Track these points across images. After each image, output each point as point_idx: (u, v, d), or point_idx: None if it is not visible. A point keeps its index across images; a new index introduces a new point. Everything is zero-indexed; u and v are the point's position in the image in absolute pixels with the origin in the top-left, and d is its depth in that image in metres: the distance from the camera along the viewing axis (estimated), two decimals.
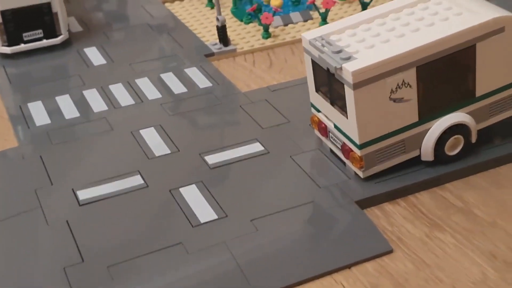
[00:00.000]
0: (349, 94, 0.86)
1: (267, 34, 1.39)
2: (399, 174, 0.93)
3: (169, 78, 1.23)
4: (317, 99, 0.97)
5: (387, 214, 0.89)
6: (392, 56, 0.86)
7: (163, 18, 1.48)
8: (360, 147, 0.89)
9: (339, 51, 0.88)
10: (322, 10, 1.41)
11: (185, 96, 1.17)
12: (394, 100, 0.88)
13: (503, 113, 0.97)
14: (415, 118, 0.91)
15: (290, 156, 0.99)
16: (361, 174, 0.92)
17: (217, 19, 1.33)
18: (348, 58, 0.86)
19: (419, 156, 0.94)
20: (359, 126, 0.88)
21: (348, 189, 0.91)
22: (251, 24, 1.46)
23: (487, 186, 0.94)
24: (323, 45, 0.90)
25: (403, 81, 0.87)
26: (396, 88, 0.88)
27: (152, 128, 1.08)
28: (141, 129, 1.08)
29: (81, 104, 1.16)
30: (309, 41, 0.92)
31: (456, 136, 0.93)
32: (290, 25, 1.44)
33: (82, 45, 1.37)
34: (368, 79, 0.85)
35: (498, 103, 0.95)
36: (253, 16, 1.44)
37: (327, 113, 0.96)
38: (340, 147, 0.94)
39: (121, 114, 1.12)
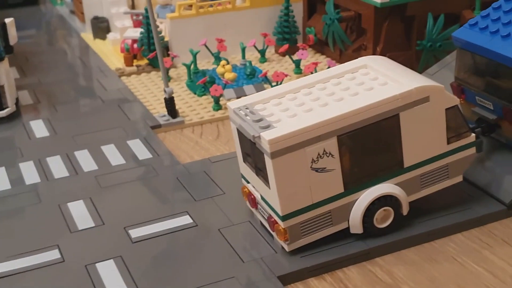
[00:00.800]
0: (269, 164, 0.84)
1: (217, 106, 1.38)
2: (327, 247, 0.90)
3: (110, 150, 1.21)
4: (245, 169, 0.95)
5: None
6: (311, 125, 0.84)
7: (116, 91, 1.48)
8: (283, 218, 0.86)
9: (260, 120, 0.86)
10: (274, 83, 1.41)
11: (122, 168, 1.14)
12: (316, 170, 0.85)
13: (436, 185, 0.94)
14: (340, 189, 0.88)
15: (219, 230, 0.96)
16: (286, 247, 0.88)
17: (165, 91, 1.32)
18: (267, 127, 0.84)
19: (348, 228, 0.90)
20: (281, 197, 0.85)
21: (272, 263, 0.88)
22: (204, 97, 1.45)
23: (419, 261, 0.90)
24: (246, 114, 0.89)
25: (324, 150, 0.85)
26: (317, 157, 0.85)
27: (81, 201, 1.04)
28: (70, 202, 1.04)
29: (15, 176, 1.13)
30: (233, 110, 0.91)
31: (385, 208, 0.90)
32: (243, 98, 1.42)
33: (29, 118, 1.35)
34: (286, 148, 0.83)
35: (429, 174, 0.92)
36: (206, 88, 1.43)
37: (254, 184, 0.93)
38: (266, 219, 0.91)
39: (53, 187, 1.09)
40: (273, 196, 0.86)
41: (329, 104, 0.88)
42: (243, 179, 0.97)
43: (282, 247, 0.90)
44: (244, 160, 0.94)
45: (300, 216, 0.87)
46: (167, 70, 1.54)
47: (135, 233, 0.96)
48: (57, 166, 1.16)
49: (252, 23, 1.68)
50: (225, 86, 1.40)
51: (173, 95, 1.33)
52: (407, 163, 0.90)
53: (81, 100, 1.45)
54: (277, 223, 0.88)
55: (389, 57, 1.41)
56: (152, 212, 1.01)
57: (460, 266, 0.89)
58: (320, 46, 1.66)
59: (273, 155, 0.82)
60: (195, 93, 1.47)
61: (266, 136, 0.82)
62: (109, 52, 1.72)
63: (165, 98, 1.33)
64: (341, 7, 1.54)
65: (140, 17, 1.72)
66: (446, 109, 0.90)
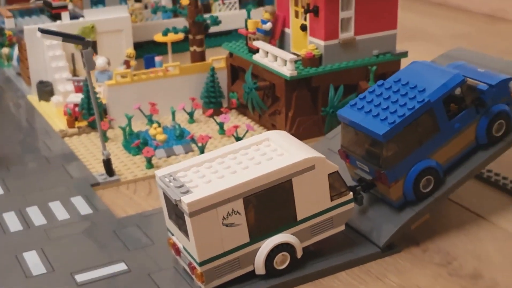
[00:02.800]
0: (188, 221, 1.06)
1: (149, 165, 1.60)
2: (236, 286, 1.12)
3: (56, 206, 1.41)
4: (170, 224, 1.17)
5: None
6: (222, 190, 1.07)
7: (60, 151, 1.67)
8: (200, 264, 1.08)
9: (181, 186, 1.08)
10: (200, 144, 1.64)
11: (67, 222, 1.35)
12: (227, 225, 1.08)
13: (323, 233, 1.18)
14: (246, 239, 1.11)
15: (149, 274, 1.17)
16: (203, 287, 1.10)
17: (103, 153, 1.53)
18: (186, 192, 1.07)
19: (254, 270, 1.13)
20: (198, 247, 1.07)
21: None
22: (138, 156, 1.66)
23: None
24: (170, 181, 1.11)
25: (233, 209, 1.08)
26: (227, 215, 1.08)
27: (34, 251, 1.24)
28: (24, 252, 1.24)
29: None
30: (159, 177, 1.13)
31: (283, 253, 1.13)
32: (172, 157, 1.65)
33: None
34: (202, 209, 1.05)
35: (317, 225, 1.16)
36: (139, 149, 1.65)
37: (177, 236, 1.15)
38: (188, 264, 1.13)
39: (9, 239, 1.28)
40: (192, 246, 1.08)
41: (237, 172, 1.12)
42: (169, 232, 1.19)
43: None
44: (169, 217, 1.16)
45: (214, 262, 1.09)
46: (104, 132, 1.75)
47: (80, 277, 1.16)
48: (12, 221, 1.35)
49: (182, 89, 1.91)
50: (156, 147, 1.62)
51: (110, 156, 1.54)
52: (299, 217, 1.14)
53: (29, 160, 1.64)
54: (195, 268, 1.10)
55: (299, 121, 1.68)
56: (93, 260, 1.21)
57: None
58: (242, 109, 1.90)
59: (191, 215, 1.05)
60: (130, 153, 1.68)
61: (185, 200, 1.05)
62: (53, 114, 1.92)
63: (103, 159, 1.54)
64: (258, 77, 1.79)
65: (81, 83, 1.93)
66: (329, 174, 1.14)
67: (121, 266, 1.19)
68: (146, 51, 2.28)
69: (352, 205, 1.19)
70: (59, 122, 1.86)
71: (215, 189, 1.07)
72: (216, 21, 1.97)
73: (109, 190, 1.51)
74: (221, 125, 1.77)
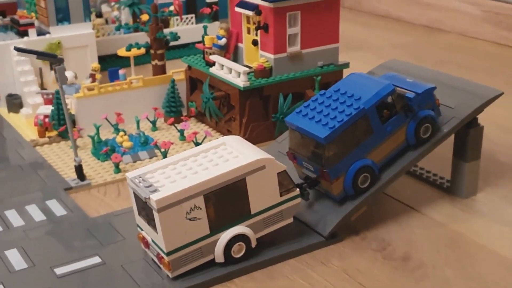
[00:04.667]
0: (156, 216, 1.22)
1: (117, 170, 1.75)
2: (200, 273, 1.28)
3: (33, 209, 1.55)
4: (140, 220, 1.32)
5: None
6: (185, 188, 1.23)
7: (32, 159, 1.81)
8: (167, 254, 1.24)
9: (149, 186, 1.24)
10: (163, 149, 1.79)
11: (44, 223, 1.49)
12: (190, 219, 1.25)
13: (274, 225, 1.35)
14: (207, 231, 1.27)
15: (122, 266, 1.32)
16: (170, 275, 1.26)
17: (75, 160, 1.67)
18: (154, 191, 1.23)
19: (214, 259, 1.30)
20: (165, 239, 1.23)
21: (161, 287, 1.25)
22: (106, 162, 1.81)
23: (264, 278, 1.30)
24: (139, 182, 1.27)
25: (195, 205, 1.24)
26: (190, 210, 1.24)
27: (15, 249, 1.38)
28: (6, 250, 1.38)
29: None
30: (130, 179, 1.29)
31: (239, 243, 1.30)
32: (138, 162, 1.80)
33: None
34: (168, 205, 1.21)
35: (269, 217, 1.33)
36: (108, 156, 1.79)
37: (146, 231, 1.31)
38: (156, 255, 1.29)
39: None
40: (160, 238, 1.24)
41: (198, 172, 1.28)
42: (138, 228, 1.34)
43: (167, 275, 1.28)
44: (139, 214, 1.31)
45: (179, 252, 1.25)
46: (74, 141, 1.90)
47: (59, 270, 1.31)
48: None
49: (145, 99, 2.06)
50: (123, 154, 1.77)
51: (81, 162, 1.69)
52: (253, 211, 1.31)
53: (3, 168, 1.77)
54: (163, 258, 1.26)
55: (252, 127, 1.85)
56: (70, 255, 1.36)
57: (290, 281, 1.29)
58: (200, 117, 2.06)
59: (159, 210, 1.21)
60: (98, 159, 1.83)
61: (154, 198, 1.21)
62: (23, 125, 2.05)
63: (75, 166, 1.69)
64: (215, 88, 1.96)
65: (50, 96, 2.06)
66: (278, 173, 1.32)
67: (96, 259, 1.34)
68: (109, 64, 2.43)
69: (299, 199, 1.36)
70: (29, 133, 1.99)
71: (179, 187, 1.23)
72: (175, 37, 2.13)
73: (81, 193, 1.66)
74: (181, 132, 1.93)
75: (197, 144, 1.83)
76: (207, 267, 1.30)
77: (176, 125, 1.96)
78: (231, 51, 2.02)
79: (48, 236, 1.44)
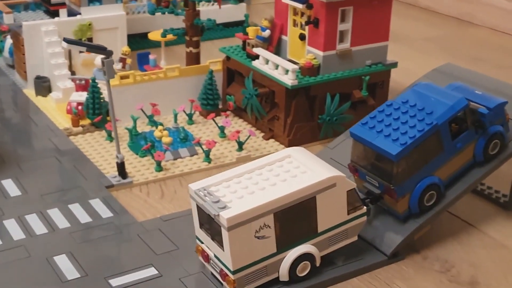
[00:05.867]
0: (225, 234, 1.16)
1: (159, 168, 1.68)
2: None
3: (76, 209, 1.48)
4: (200, 233, 1.26)
5: None
6: (256, 206, 1.16)
7: (69, 151, 1.73)
8: (233, 273, 1.18)
9: (217, 201, 1.17)
10: (206, 148, 1.72)
11: (90, 225, 1.42)
12: (258, 238, 1.18)
13: (339, 243, 1.29)
14: (274, 250, 1.21)
15: (180, 279, 1.26)
16: None
17: (117, 157, 1.60)
18: (224, 207, 1.16)
19: (278, 277, 1.24)
20: (232, 258, 1.17)
21: None
22: (145, 158, 1.73)
23: None
24: (205, 195, 1.20)
25: (264, 223, 1.18)
26: (259, 229, 1.18)
27: (64, 254, 1.31)
28: (55, 255, 1.31)
29: (2, 233, 1.38)
30: (194, 191, 1.22)
31: (304, 262, 1.24)
32: (179, 160, 1.73)
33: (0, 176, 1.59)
34: (238, 223, 1.15)
35: (335, 236, 1.27)
36: (150, 153, 1.72)
37: (209, 245, 1.24)
38: (218, 271, 1.22)
39: (37, 242, 1.35)
40: (226, 256, 1.18)
41: (266, 188, 1.21)
42: (198, 240, 1.28)
43: None
44: (201, 227, 1.25)
45: (245, 270, 1.19)
46: (109, 132, 1.82)
47: (114, 282, 1.24)
48: (36, 224, 1.41)
49: (180, 90, 1.98)
50: (165, 151, 1.70)
51: (123, 160, 1.61)
52: (319, 229, 1.25)
53: (39, 159, 1.69)
54: (227, 275, 1.20)
55: (297, 127, 1.78)
56: (123, 265, 1.29)
57: None
58: (238, 112, 1.99)
59: (229, 229, 1.14)
60: (137, 154, 1.75)
61: (224, 215, 1.14)
62: (53, 110, 1.97)
63: (117, 163, 1.61)
64: (257, 83, 1.88)
65: (83, 82, 1.98)
66: (347, 191, 1.26)
67: (152, 271, 1.28)
68: (134, 45, 2.33)
69: (365, 218, 1.30)
70: (61, 119, 1.91)
71: (249, 205, 1.16)
72: (213, 24, 2.05)
73: (123, 192, 1.59)
74: (222, 128, 1.86)
75: (240, 143, 1.76)
76: (270, 286, 1.24)
77: (215, 120, 1.88)
78: (274, 43, 1.94)
79: (97, 241, 1.37)
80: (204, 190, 1.21)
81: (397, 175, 1.31)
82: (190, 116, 1.94)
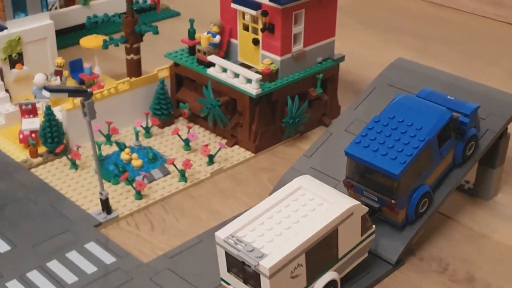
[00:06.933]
0: (265, 282, 1.19)
1: (139, 196, 1.65)
2: None
3: (76, 257, 1.44)
4: (228, 276, 1.28)
5: None
6: (292, 250, 1.20)
7: (39, 188, 1.65)
8: None
9: (252, 250, 1.20)
10: (181, 169, 1.71)
11: (98, 275, 1.39)
12: (292, 277, 1.23)
13: (354, 263, 1.36)
14: (304, 284, 1.26)
15: None
16: None
17: (101, 193, 1.56)
18: (261, 256, 1.19)
19: None
20: None
21: None
22: (119, 185, 1.70)
23: None
24: (235, 243, 1.22)
25: (298, 263, 1.22)
26: (294, 269, 1.22)
27: None
28: None
29: None
30: (223, 240, 1.23)
31: None
32: (154, 182, 1.71)
33: None
34: (277, 270, 1.19)
35: (351, 257, 1.34)
36: (125, 181, 1.68)
37: (238, 287, 1.27)
38: None
39: None
40: None
41: (291, 227, 1.25)
42: (223, 282, 1.30)
43: None
44: (229, 271, 1.27)
45: None
46: (73, 161, 1.76)
47: None
48: (43, 283, 1.36)
49: (133, 103, 1.94)
50: (143, 178, 1.68)
51: (108, 195, 1.57)
52: (340, 255, 1.31)
53: (13, 203, 1.59)
54: None
55: (261, 133, 1.81)
56: None
57: None
58: (193, 118, 1.97)
59: (270, 277, 1.18)
60: (109, 181, 1.71)
61: (265, 265, 1.17)
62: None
63: (101, 199, 1.57)
64: (214, 91, 1.87)
65: (29, 106, 1.87)
66: (361, 216, 1.32)
67: None
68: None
69: (374, 235, 1.38)
70: (12, 150, 1.81)
71: (285, 250, 1.20)
72: (157, 30, 2.00)
73: (112, 228, 1.56)
74: (186, 141, 1.85)
75: (210, 157, 1.77)
76: None
77: (179, 134, 1.86)
78: (224, 48, 1.93)
79: None
80: (233, 237, 1.23)
81: (397, 191, 1.39)
82: (147, 129, 1.91)
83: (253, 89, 1.78)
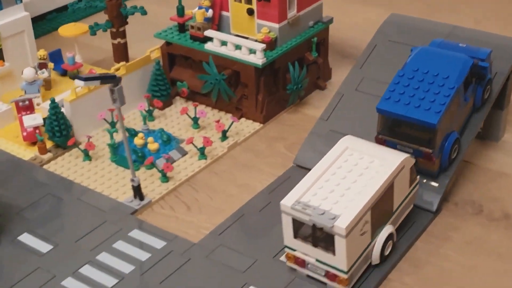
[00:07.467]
0: (340, 241, 1.21)
1: (165, 179, 1.63)
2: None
3: (125, 247, 1.41)
4: (294, 242, 1.29)
5: None
6: (361, 209, 1.22)
7: (59, 184, 1.60)
8: (347, 272, 1.25)
9: (323, 213, 1.21)
10: (200, 146, 1.70)
11: (154, 260, 1.37)
12: (361, 234, 1.25)
13: (404, 215, 1.40)
14: (369, 240, 1.29)
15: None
16: None
17: (133, 180, 1.53)
18: (334, 218, 1.21)
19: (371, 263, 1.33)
20: (347, 259, 1.23)
21: None
22: (140, 171, 1.67)
23: (411, 268, 1.36)
24: (304, 209, 1.23)
25: (365, 221, 1.25)
26: (362, 227, 1.25)
27: None
28: None
29: None
30: (290, 207, 1.24)
31: (389, 241, 1.34)
32: (174, 164, 1.69)
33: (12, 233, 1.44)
34: (351, 229, 1.21)
35: (402, 209, 1.38)
36: (141, 162, 1.65)
37: (307, 252, 1.28)
38: (323, 274, 1.28)
39: None
40: (338, 259, 1.23)
41: (351, 188, 1.27)
42: (287, 249, 1.31)
43: None
44: (295, 237, 1.28)
45: (353, 267, 1.26)
46: (87, 152, 1.71)
47: None
48: (98, 276, 1.33)
49: (130, 87, 1.89)
50: (167, 160, 1.65)
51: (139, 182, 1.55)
52: (394, 208, 1.35)
53: (39, 203, 1.53)
54: (337, 276, 1.26)
55: (267, 102, 1.82)
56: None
57: (437, 266, 1.38)
58: (191, 96, 1.95)
59: (346, 236, 1.20)
60: (127, 167, 1.68)
61: (341, 225, 1.19)
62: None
63: (133, 186, 1.54)
64: (217, 66, 1.85)
65: (26, 102, 1.80)
66: (410, 168, 1.36)
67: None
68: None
69: (418, 186, 1.42)
70: (17, 149, 1.74)
71: (354, 209, 1.22)
72: (144, 11, 1.97)
73: (148, 214, 1.54)
74: (195, 120, 1.83)
75: (224, 132, 1.76)
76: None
77: (188, 114, 1.84)
78: (216, 21, 1.92)
79: (176, 277, 1.33)
80: (299, 203, 1.24)
81: (435, 141, 1.43)
82: (150, 112, 1.88)
83: (258, 59, 1.78)
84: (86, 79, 1.33)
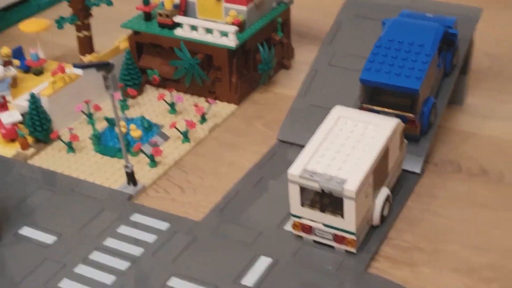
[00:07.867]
0: (350, 204, 1.27)
1: (154, 163, 1.65)
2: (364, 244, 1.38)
3: (129, 231, 1.43)
4: (301, 210, 1.34)
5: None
6: (365, 172, 1.29)
7: (48, 178, 1.59)
8: (355, 234, 1.31)
9: (331, 179, 1.27)
10: (184, 129, 1.72)
11: (161, 242, 1.39)
12: (365, 196, 1.32)
13: (395, 177, 1.48)
14: (371, 201, 1.36)
15: (294, 255, 1.34)
16: (354, 250, 1.34)
17: (127, 167, 1.54)
18: (342, 182, 1.27)
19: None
20: (356, 221, 1.30)
21: (349, 259, 1.33)
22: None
23: (406, 226, 1.44)
24: (311, 176, 1.29)
25: (368, 183, 1.32)
26: (366, 189, 1.31)
27: (177, 278, 1.30)
28: (174, 276, 1.29)
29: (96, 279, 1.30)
30: (298, 176, 1.29)
31: (386, 202, 1.42)
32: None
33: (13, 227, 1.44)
34: (358, 191, 1.27)
35: (394, 172, 1.46)
36: (139, 151, 1.66)
37: (314, 218, 1.33)
38: (331, 238, 1.34)
39: (143, 271, 1.31)
40: (347, 222, 1.30)
41: (351, 154, 1.34)
42: (294, 217, 1.36)
43: (346, 251, 1.34)
44: (302, 205, 1.34)
45: (359, 228, 1.33)
46: (70, 144, 1.71)
47: (246, 281, 1.28)
48: (109, 260, 1.34)
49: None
50: (154, 145, 1.67)
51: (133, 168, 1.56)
52: (389, 170, 1.43)
53: (32, 197, 1.52)
54: (345, 238, 1.32)
55: (239, 83, 1.87)
56: (238, 262, 1.32)
57: (433, 222, 1.46)
58: (162, 83, 1.97)
59: (355, 199, 1.26)
60: (113, 157, 1.69)
61: (350, 188, 1.25)
62: None
63: (127, 172, 1.56)
64: (189, 51, 1.88)
65: (1, 100, 1.77)
66: (400, 132, 1.44)
67: (266, 260, 1.33)
68: None
69: (405, 150, 1.50)
70: None
71: (359, 173, 1.28)
72: (110, 1, 1.97)
73: (144, 198, 1.55)
74: (172, 105, 1.85)
75: (203, 115, 1.80)
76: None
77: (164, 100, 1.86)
78: (183, 8, 1.94)
79: (187, 254, 1.36)
80: (306, 171, 1.30)
81: (417, 105, 1.52)
82: (125, 101, 1.89)
83: (231, 42, 1.81)
84: (81, 67, 1.34)
